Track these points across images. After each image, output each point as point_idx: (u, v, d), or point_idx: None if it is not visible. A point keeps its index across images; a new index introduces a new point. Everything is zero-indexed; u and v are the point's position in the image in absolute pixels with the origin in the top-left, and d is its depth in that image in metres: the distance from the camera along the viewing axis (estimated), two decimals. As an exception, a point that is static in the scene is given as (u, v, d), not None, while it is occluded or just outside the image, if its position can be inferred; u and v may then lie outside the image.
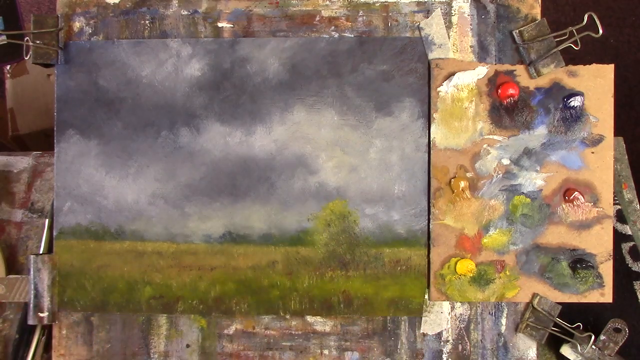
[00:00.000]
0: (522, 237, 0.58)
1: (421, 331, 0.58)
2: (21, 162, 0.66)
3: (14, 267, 0.63)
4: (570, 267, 0.58)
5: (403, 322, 0.59)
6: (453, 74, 0.58)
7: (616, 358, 0.57)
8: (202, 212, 0.58)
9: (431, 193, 0.58)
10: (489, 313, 0.59)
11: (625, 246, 0.64)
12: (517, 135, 0.58)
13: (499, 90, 0.58)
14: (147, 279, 0.58)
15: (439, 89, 0.58)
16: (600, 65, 0.58)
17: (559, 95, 0.58)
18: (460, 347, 0.58)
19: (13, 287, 0.60)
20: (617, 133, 0.59)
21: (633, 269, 0.63)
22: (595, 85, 0.58)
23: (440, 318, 0.58)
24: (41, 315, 0.58)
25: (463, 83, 0.58)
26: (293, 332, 0.59)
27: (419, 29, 0.59)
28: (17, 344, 0.59)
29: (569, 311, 0.58)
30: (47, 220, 0.61)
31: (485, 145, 0.58)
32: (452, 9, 0.59)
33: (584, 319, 0.58)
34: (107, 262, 0.59)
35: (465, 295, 0.58)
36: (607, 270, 0.58)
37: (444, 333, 0.58)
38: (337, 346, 0.59)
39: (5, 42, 0.59)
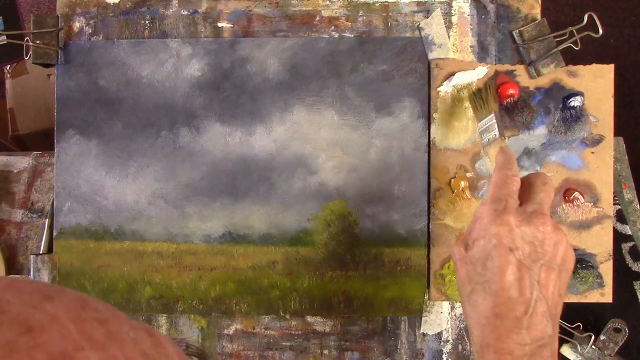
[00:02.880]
0: (522, 237, 0.58)
1: (421, 331, 0.58)
2: (21, 162, 0.66)
3: (14, 267, 0.63)
4: (570, 267, 0.58)
5: (403, 322, 0.58)
6: (453, 74, 0.58)
7: (616, 358, 0.57)
8: (202, 212, 0.58)
9: (431, 193, 0.58)
10: (489, 313, 0.59)
11: (625, 246, 0.64)
12: (517, 135, 0.58)
13: (499, 90, 0.58)
14: (147, 279, 0.58)
15: (439, 89, 0.58)
16: (600, 65, 0.58)
17: (559, 95, 0.58)
18: (460, 347, 0.58)
19: (13, 287, 0.60)
20: (617, 133, 0.59)
21: (633, 269, 0.63)
22: (595, 85, 0.58)
23: (440, 318, 0.58)
24: (41, 315, 0.58)
25: (463, 83, 0.58)
26: (293, 332, 0.59)
27: (419, 29, 0.59)
28: (17, 344, 0.59)
29: (569, 311, 0.58)
30: (47, 220, 0.61)
31: (485, 145, 0.58)
32: (452, 9, 0.59)
33: (584, 319, 0.58)
34: (107, 262, 0.59)
35: (465, 295, 0.58)
36: (607, 270, 0.58)
37: (444, 333, 0.58)
38: (337, 346, 0.59)
39: (5, 42, 0.59)
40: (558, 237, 0.40)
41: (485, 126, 0.51)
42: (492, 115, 0.50)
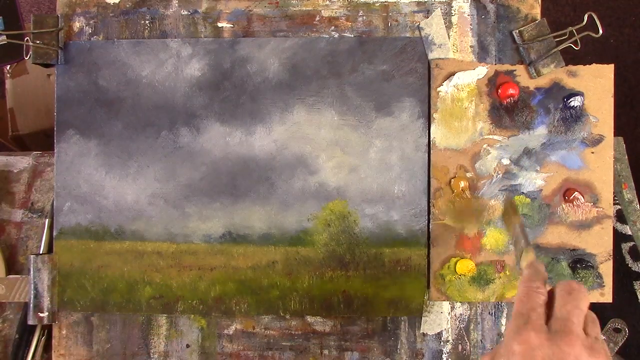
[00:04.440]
0: (522, 237, 0.58)
1: (421, 331, 0.58)
2: (21, 162, 0.66)
3: (14, 267, 0.63)
4: (570, 267, 0.58)
5: (403, 322, 0.58)
6: (453, 74, 0.58)
7: (616, 358, 0.57)
8: (202, 212, 0.58)
9: (431, 193, 0.58)
10: (489, 313, 0.59)
11: (625, 246, 0.64)
12: (517, 135, 0.58)
13: (499, 90, 0.58)
14: (147, 279, 0.58)
15: (439, 89, 0.58)
16: (600, 65, 0.58)
17: (559, 95, 0.58)
18: (460, 347, 0.58)
19: (13, 287, 0.60)
20: (617, 133, 0.59)
21: (633, 269, 0.63)
22: (595, 85, 0.58)
23: (440, 318, 0.58)
24: (41, 315, 0.58)
25: (463, 83, 0.58)
26: (293, 332, 0.59)
27: (419, 29, 0.59)
28: (17, 344, 0.59)
29: (569, 311, 0.58)
30: (47, 220, 0.61)
31: (485, 145, 0.58)
32: (452, 9, 0.59)
33: (584, 319, 0.58)
34: (107, 262, 0.59)
35: (465, 295, 0.58)
36: (607, 270, 0.58)
37: (444, 333, 0.58)
38: (337, 346, 0.59)
39: (5, 42, 0.59)
40: None
41: (514, 240, 0.50)
42: (517, 227, 0.50)
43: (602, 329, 0.57)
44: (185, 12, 0.60)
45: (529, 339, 0.36)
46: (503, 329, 0.58)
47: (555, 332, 0.36)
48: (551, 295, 0.40)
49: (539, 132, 0.58)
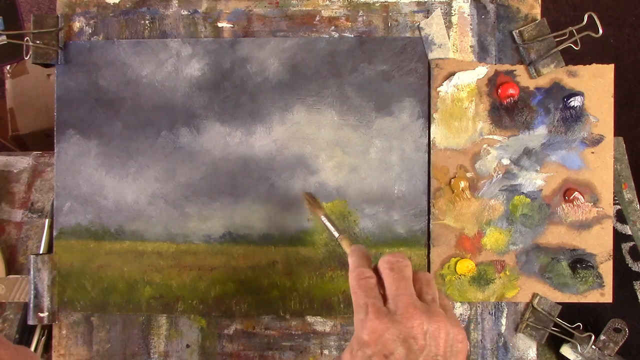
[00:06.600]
0: (522, 237, 0.58)
1: (421, 331, 0.58)
2: (21, 162, 0.66)
3: (14, 267, 0.63)
4: (570, 267, 0.58)
5: (403, 322, 0.58)
6: (453, 74, 0.58)
7: (616, 358, 0.57)
8: (202, 212, 0.58)
9: (431, 193, 0.58)
10: (489, 313, 0.59)
11: (625, 246, 0.64)
12: (517, 135, 0.58)
13: (499, 90, 0.58)
14: (147, 279, 0.58)
15: (439, 89, 0.58)
16: (600, 65, 0.58)
17: (559, 95, 0.58)
18: (460, 347, 0.58)
19: (13, 287, 0.60)
20: (617, 133, 0.59)
21: (633, 269, 0.63)
22: (595, 85, 0.58)
23: (440, 318, 0.58)
24: (41, 315, 0.58)
25: (463, 83, 0.58)
26: (293, 332, 0.59)
27: (419, 29, 0.59)
28: (17, 344, 0.59)
29: (569, 311, 0.58)
30: (47, 220, 0.61)
31: (485, 145, 0.58)
32: (452, 9, 0.59)
33: (584, 319, 0.58)
34: (107, 262, 0.59)
35: (465, 295, 0.58)
36: (607, 270, 0.58)
37: (444, 333, 0.58)
38: (337, 346, 0.59)
39: (5, 42, 0.59)
40: (433, 327, 0.37)
41: (327, 226, 0.52)
42: (323, 218, 0.52)
43: (602, 329, 0.57)
44: (185, 12, 0.60)
45: (375, 327, 0.37)
46: (503, 328, 0.58)
47: (395, 312, 0.38)
48: (379, 271, 0.41)
49: (539, 132, 0.58)
